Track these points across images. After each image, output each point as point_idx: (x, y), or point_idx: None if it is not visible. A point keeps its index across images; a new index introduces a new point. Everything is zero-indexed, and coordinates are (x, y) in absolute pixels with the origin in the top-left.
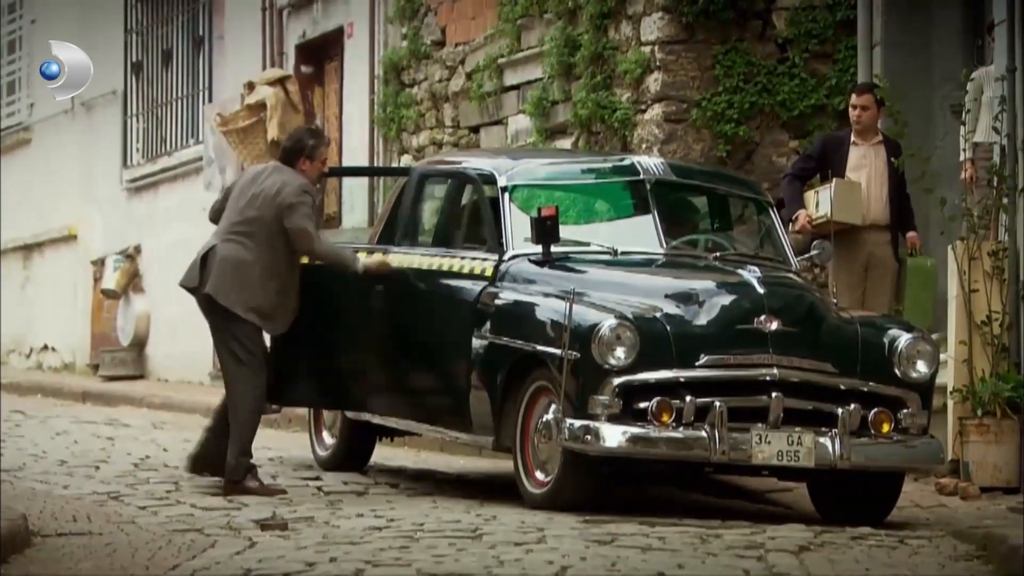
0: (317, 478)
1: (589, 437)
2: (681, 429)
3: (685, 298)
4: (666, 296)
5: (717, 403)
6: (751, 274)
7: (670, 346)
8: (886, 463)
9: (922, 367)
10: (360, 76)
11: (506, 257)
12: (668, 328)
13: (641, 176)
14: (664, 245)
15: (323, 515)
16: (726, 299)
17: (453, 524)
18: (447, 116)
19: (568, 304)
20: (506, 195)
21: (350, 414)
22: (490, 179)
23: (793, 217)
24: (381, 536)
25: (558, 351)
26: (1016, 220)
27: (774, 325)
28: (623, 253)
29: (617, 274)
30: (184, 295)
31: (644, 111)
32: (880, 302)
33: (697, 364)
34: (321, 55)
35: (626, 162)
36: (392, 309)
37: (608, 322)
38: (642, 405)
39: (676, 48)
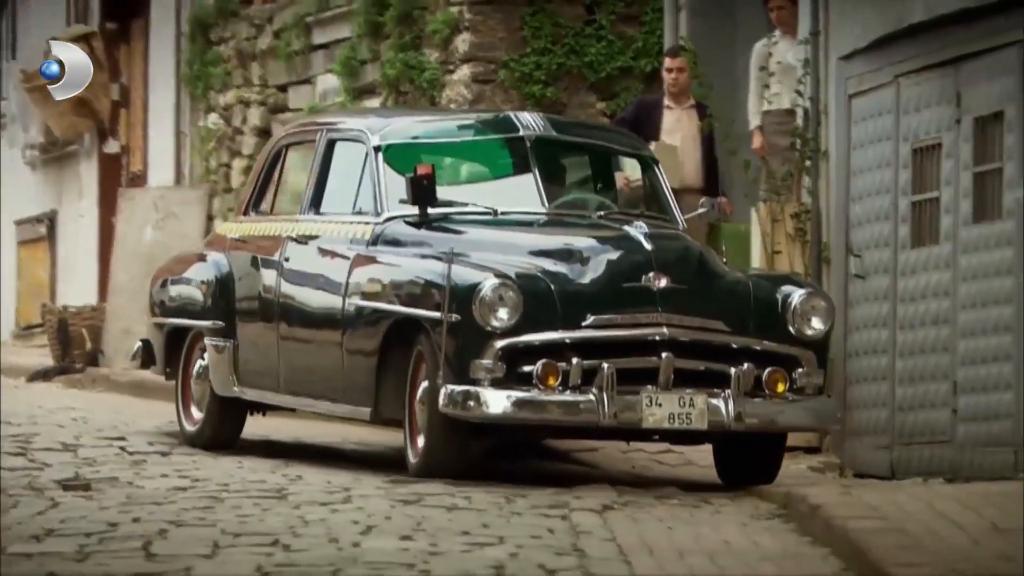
0: (121, 438)
1: (471, 403)
2: (568, 392)
3: (569, 256)
4: (549, 255)
5: (605, 365)
6: (638, 230)
7: (555, 306)
8: (782, 424)
9: (817, 324)
10: (167, 33)
11: (380, 219)
12: (552, 287)
13: (521, 133)
14: (546, 204)
15: (127, 476)
16: (612, 256)
17: (258, 484)
18: (255, 75)
19: (447, 264)
20: (379, 155)
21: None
22: (361, 139)
23: None
24: (185, 496)
25: (438, 314)
26: (819, 183)
27: (663, 282)
28: (503, 213)
29: (498, 234)
30: None
31: (452, 72)
32: None
33: (583, 324)
34: (127, 12)
35: (503, 117)
36: (275, 282)
37: (489, 282)
38: (526, 369)
39: (484, 9)
